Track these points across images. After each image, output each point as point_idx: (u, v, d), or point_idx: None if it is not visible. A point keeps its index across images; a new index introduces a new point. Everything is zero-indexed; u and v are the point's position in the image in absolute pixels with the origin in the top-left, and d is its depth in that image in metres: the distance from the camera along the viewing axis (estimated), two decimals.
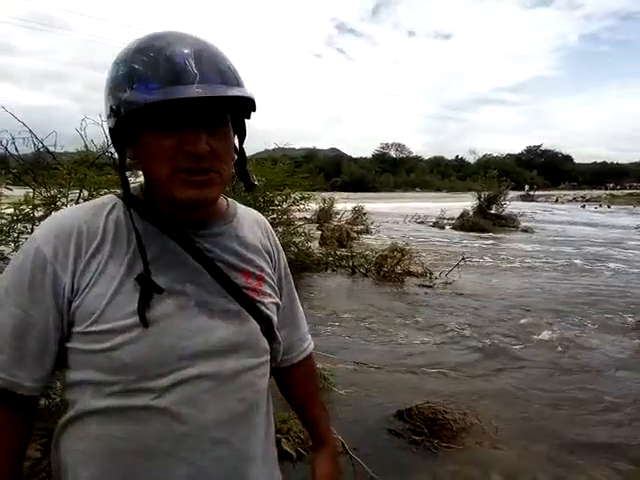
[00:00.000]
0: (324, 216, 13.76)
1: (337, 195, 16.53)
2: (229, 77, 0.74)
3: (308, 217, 11.09)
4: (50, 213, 1.87)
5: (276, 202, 7.50)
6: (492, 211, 18.56)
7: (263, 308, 0.87)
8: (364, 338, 5.01)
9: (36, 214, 1.88)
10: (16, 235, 1.90)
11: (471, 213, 18.41)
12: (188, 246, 0.81)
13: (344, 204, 15.62)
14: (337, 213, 14.66)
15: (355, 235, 12.16)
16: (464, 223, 17.29)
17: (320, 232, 11.07)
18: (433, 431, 3.01)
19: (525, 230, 17.19)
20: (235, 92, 0.73)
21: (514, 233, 16.50)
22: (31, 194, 1.97)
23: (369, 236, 13.49)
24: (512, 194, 20.48)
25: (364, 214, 16.09)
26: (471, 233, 15.99)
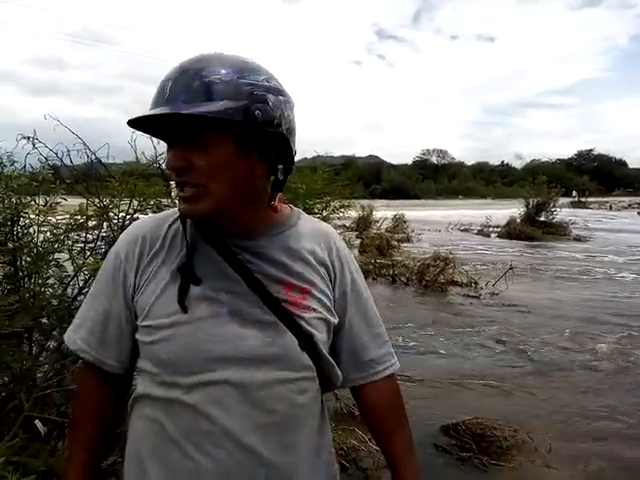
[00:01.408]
0: (363, 224, 13.70)
1: (376, 203, 16.43)
2: (203, 94, 0.74)
3: (347, 225, 11.07)
4: (102, 223, 1.94)
5: (316, 210, 7.53)
6: (541, 219, 17.95)
7: (303, 323, 0.85)
8: (406, 350, 4.91)
9: (89, 223, 1.96)
10: (70, 243, 1.99)
11: (518, 221, 17.84)
12: (229, 257, 0.85)
13: (384, 212, 15.50)
14: (377, 221, 14.56)
15: (395, 243, 12.03)
16: (511, 231, 16.79)
17: (359, 240, 11.02)
18: (481, 448, 2.92)
19: (577, 239, 16.51)
20: (175, 110, 0.73)
21: (565, 242, 15.86)
22: (84, 204, 2.06)
23: (410, 244, 13.32)
24: (562, 201, 19.70)
25: (404, 222, 15.91)
26: (519, 241, 15.50)
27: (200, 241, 0.86)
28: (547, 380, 4.20)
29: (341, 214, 8.18)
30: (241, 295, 0.84)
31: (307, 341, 0.85)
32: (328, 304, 0.90)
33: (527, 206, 18.10)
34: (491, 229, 18.13)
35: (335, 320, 0.91)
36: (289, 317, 0.84)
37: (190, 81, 0.75)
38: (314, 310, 0.87)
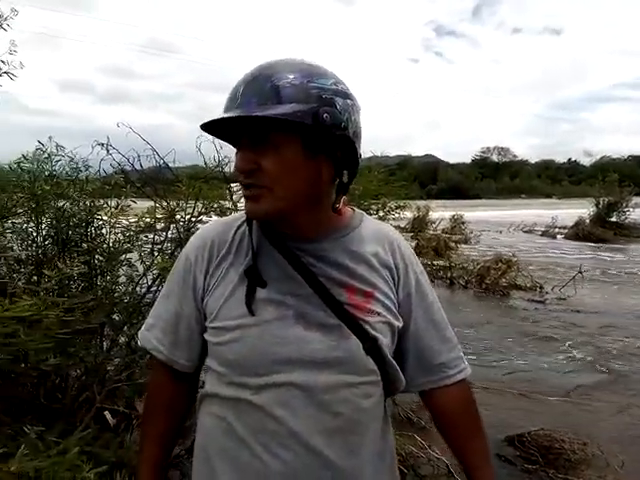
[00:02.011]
0: (419, 225, 13.44)
1: (433, 203, 16.06)
2: (273, 97, 0.75)
3: (402, 226, 10.92)
4: (169, 225, 2.03)
5: (371, 211, 7.47)
6: (612, 219, 16.87)
7: (367, 327, 0.85)
8: (467, 356, 4.72)
9: (158, 225, 2.06)
10: (140, 244, 2.09)
11: (587, 221, 16.88)
12: (292, 260, 0.86)
13: (441, 212, 15.12)
14: (433, 222, 14.23)
15: (453, 245, 11.71)
16: (579, 232, 15.91)
17: (415, 241, 10.82)
18: (548, 460, 2.78)
19: None
20: (247, 113, 0.75)
21: (639, 244, 14.77)
22: (153, 207, 2.17)
23: (468, 246, 12.91)
24: (636, 200, 18.38)
25: (462, 223, 15.45)
26: (588, 243, 14.64)
27: (266, 244, 0.88)
28: (620, 391, 3.94)
29: (397, 215, 8.11)
30: (305, 298, 0.85)
31: (371, 345, 0.85)
32: (392, 307, 0.89)
33: (597, 206, 17.12)
34: (557, 230, 17.26)
35: (399, 323, 0.90)
36: (353, 321, 0.84)
37: (261, 85, 0.76)
38: (378, 314, 0.87)
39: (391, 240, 0.94)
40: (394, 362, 0.90)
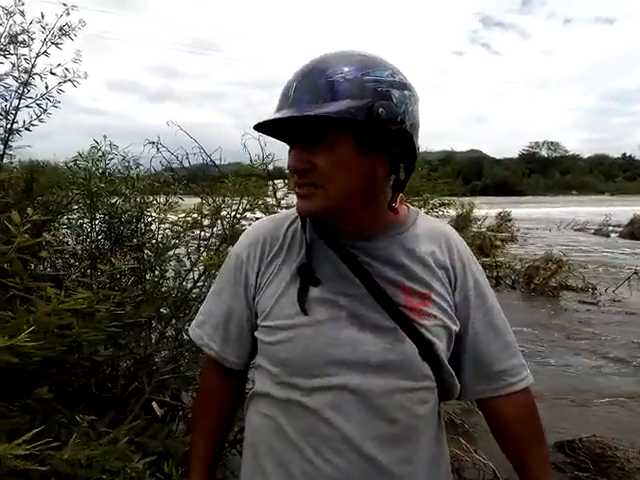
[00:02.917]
0: (463, 222, 13.11)
1: (477, 200, 15.61)
2: (327, 93, 0.72)
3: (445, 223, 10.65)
4: (216, 221, 2.07)
5: None
6: None
7: (423, 330, 0.81)
8: None
9: (204, 222, 2.10)
10: (187, 240, 2.14)
11: None
12: (347, 259, 0.83)
13: (487, 210, 14.69)
14: (478, 219, 13.85)
15: (499, 243, 11.36)
16: (635, 231, 15.15)
17: None
18: (600, 468, 2.66)
19: None
20: (301, 112, 0.73)
21: None
22: (200, 203, 2.21)
23: (516, 245, 12.49)
24: None
25: (509, 220, 14.95)
26: None
27: (319, 242, 0.86)
28: None
29: (440, 212, 7.95)
30: (359, 298, 0.82)
31: (427, 350, 0.81)
32: (448, 310, 0.85)
33: None
34: (611, 228, 16.43)
35: (456, 327, 0.86)
36: (409, 324, 0.81)
37: (314, 82, 0.74)
38: (435, 317, 0.83)
39: (448, 239, 0.90)
40: (450, 368, 0.86)
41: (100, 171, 2.11)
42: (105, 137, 2.12)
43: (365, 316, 0.81)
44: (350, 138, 0.76)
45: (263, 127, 0.81)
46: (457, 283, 0.87)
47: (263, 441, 0.88)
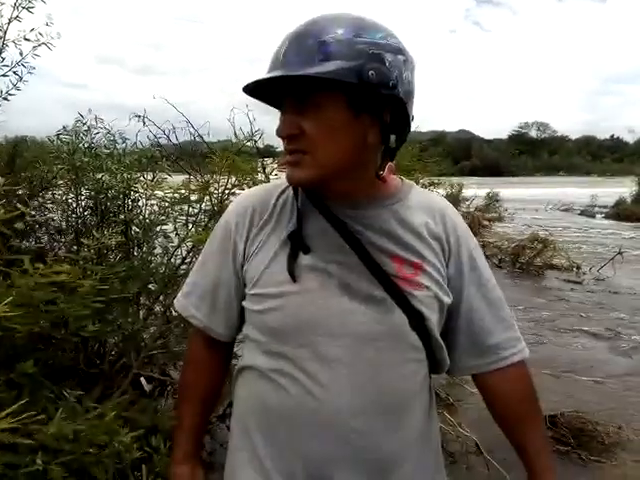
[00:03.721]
0: (452, 202, 13.14)
1: (466, 180, 15.67)
2: (316, 54, 0.70)
3: None
4: (203, 197, 2.04)
5: None
6: None
7: (415, 301, 0.80)
8: None
9: (192, 198, 2.07)
10: (175, 215, 2.12)
11: (629, 201, 16.20)
12: (338, 227, 0.82)
13: (475, 190, 14.76)
14: (466, 199, 13.92)
15: (487, 223, 11.48)
16: (620, 212, 15.36)
17: None
18: (581, 442, 2.74)
19: None
20: (289, 72, 0.70)
21: None
22: (188, 179, 2.18)
23: (503, 224, 12.62)
24: None
25: (497, 200, 15.06)
26: (629, 223, 14.06)
27: (311, 210, 0.84)
28: None
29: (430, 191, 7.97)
30: (350, 267, 0.81)
31: (418, 320, 0.80)
32: (441, 281, 0.83)
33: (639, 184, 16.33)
34: (597, 209, 16.64)
35: (449, 299, 0.84)
36: (399, 293, 0.79)
37: (305, 43, 0.71)
38: (426, 288, 0.81)
39: (442, 211, 0.88)
40: (441, 341, 0.85)
41: (85, 145, 2.07)
42: (90, 111, 2.07)
43: (355, 285, 0.80)
44: (341, 102, 0.73)
45: (253, 91, 0.78)
46: (450, 255, 0.86)
47: (251, 415, 0.87)
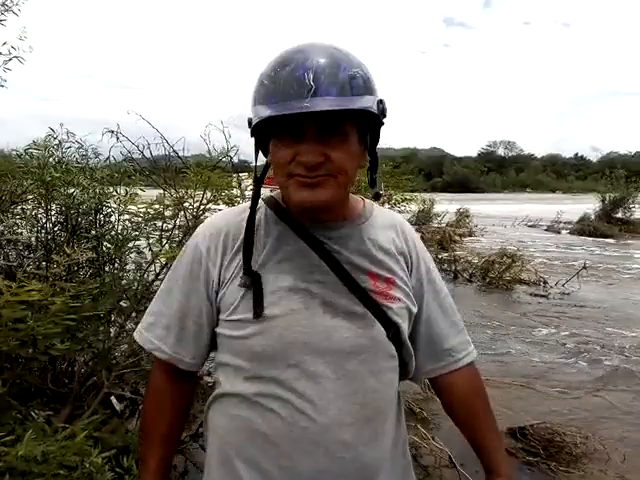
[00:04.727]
0: (424, 218, 13.42)
1: (438, 196, 16.01)
2: (349, 87, 0.73)
3: (407, 219, 10.93)
4: (178, 212, 2.04)
5: (377, 204, 7.45)
6: (618, 215, 16.76)
7: (390, 313, 0.85)
8: None
9: (166, 213, 2.06)
10: (149, 231, 2.10)
11: (593, 217, 16.83)
12: (317, 247, 0.85)
13: (447, 206, 15.08)
14: (438, 215, 14.21)
15: (458, 238, 11.72)
16: (584, 228, 15.87)
17: (419, 234, 10.77)
18: (550, 453, 2.79)
19: None
20: (342, 104, 0.72)
21: None
22: (162, 195, 2.17)
23: (473, 239, 12.90)
24: None
25: (467, 216, 15.42)
26: (593, 239, 14.58)
27: (287, 232, 0.86)
28: (622, 386, 3.94)
29: (402, 208, 8.11)
30: (331, 286, 0.84)
31: (394, 331, 0.85)
32: (409, 293, 0.90)
33: (602, 202, 17.00)
34: (562, 225, 17.18)
35: (415, 309, 0.91)
36: (377, 307, 0.84)
37: (335, 74, 0.73)
38: (399, 300, 0.87)
39: (403, 228, 0.95)
40: (411, 348, 0.91)
41: (56, 160, 2.04)
42: (62, 125, 2.05)
43: (337, 302, 0.83)
44: (356, 132, 0.79)
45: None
46: (413, 268, 0.92)
47: (233, 443, 0.85)
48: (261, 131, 0.81)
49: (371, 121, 0.80)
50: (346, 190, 0.84)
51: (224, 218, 0.92)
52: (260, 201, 0.89)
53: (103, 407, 1.87)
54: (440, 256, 8.76)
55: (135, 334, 0.94)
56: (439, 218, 14.12)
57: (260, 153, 0.85)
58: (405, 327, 0.88)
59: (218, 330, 0.87)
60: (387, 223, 0.93)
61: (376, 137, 0.84)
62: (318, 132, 0.76)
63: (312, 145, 0.76)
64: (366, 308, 0.84)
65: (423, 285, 0.93)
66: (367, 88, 0.76)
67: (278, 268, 0.84)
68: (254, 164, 0.88)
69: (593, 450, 2.81)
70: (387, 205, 8.00)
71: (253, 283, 0.82)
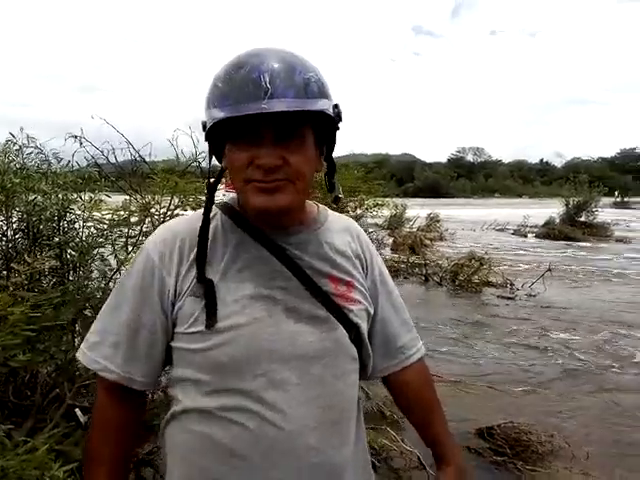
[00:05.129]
0: (396, 222, 13.61)
1: (410, 201, 16.25)
2: (304, 91, 0.74)
3: (379, 224, 11.06)
4: (145, 218, 2.00)
5: (349, 209, 7.52)
6: (581, 219, 17.34)
7: (352, 315, 0.87)
8: (439, 350, 4.84)
9: (132, 219, 2.03)
10: (114, 238, 2.06)
11: (557, 221, 17.38)
12: (278, 253, 0.84)
13: (418, 211, 15.32)
14: (409, 220, 14.41)
15: (429, 242, 11.92)
16: (549, 231, 16.35)
17: (392, 239, 10.94)
18: (516, 452, 2.85)
19: (619, 240, 15.85)
20: (300, 106, 0.72)
21: (607, 243, 15.27)
22: (128, 201, 2.13)
23: (444, 243, 13.14)
24: (604, 201, 18.95)
25: (438, 221, 15.69)
26: (557, 242, 15.04)
27: (246, 239, 0.85)
28: (586, 385, 4.07)
29: (374, 212, 8.19)
30: (293, 291, 0.84)
31: (356, 333, 0.87)
32: (367, 295, 0.92)
33: (567, 206, 17.54)
34: (528, 229, 17.67)
35: (372, 310, 0.93)
36: (340, 310, 0.85)
37: (291, 76, 0.73)
38: (359, 302, 0.89)
39: (357, 231, 0.97)
40: (370, 349, 0.92)
41: (17, 166, 1.98)
42: (22, 129, 1.99)
43: (300, 307, 0.83)
44: (312, 136, 0.80)
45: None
46: (367, 270, 0.94)
47: (196, 463, 0.81)
48: (216, 135, 0.79)
49: (327, 126, 0.81)
50: (304, 195, 0.84)
51: (178, 225, 0.89)
52: (215, 208, 0.87)
53: (66, 419, 1.81)
54: (411, 260, 8.89)
55: (78, 354, 0.87)
56: (411, 223, 14.32)
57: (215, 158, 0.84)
58: (365, 328, 0.89)
59: (174, 344, 0.83)
60: (342, 227, 0.95)
61: (332, 142, 0.85)
62: (276, 135, 0.76)
63: (270, 148, 0.76)
64: (329, 312, 0.84)
65: (377, 286, 0.95)
66: (322, 92, 0.77)
67: (239, 277, 0.82)
68: (208, 169, 0.86)
69: (558, 448, 2.88)
70: (359, 210, 8.11)
71: (205, 292, 0.80)
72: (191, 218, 0.89)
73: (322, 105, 0.75)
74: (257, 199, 0.78)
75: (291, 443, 0.79)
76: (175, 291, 0.82)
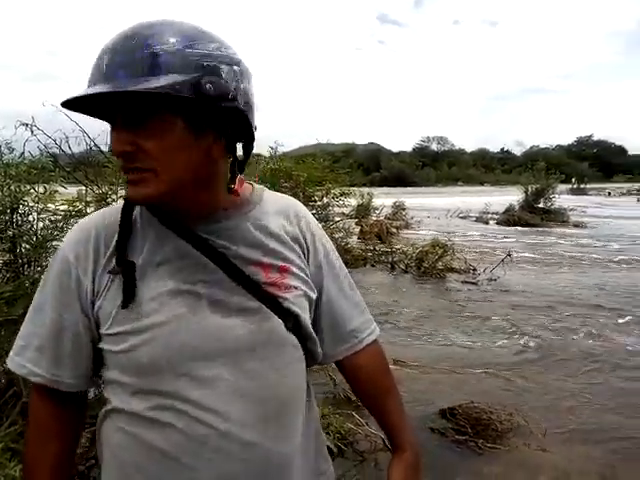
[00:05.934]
0: (363, 211, 13.73)
1: (376, 190, 16.42)
2: (140, 67, 0.65)
3: (346, 213, 11.16)
4: (101, 209, 1.95)
5: (316, 198, 7.52)
6: (540, 205, 17.90)
7: (287, 303, 0.81)
8: (404, 335, 4.95)
9: (88, 210, 1.97)
10: (70, 229, 2.00)
11: (517, 208, 17.89)
12: (200, 245, 0.78)
13: (384, 199, 15.50)
14: (376, 208, 14.57)
15: (395, 230, 12.11)
16: (509, 218, 16.83)
17: (359, 227, 11.05)
18: (477, 431, 2.95)
19: (576, 225, 16.51)
20: (120, 87, 0.64)
21: (564, 228, 15.85)
22: (84, 191, 2.07)
23: (409, 231, 13.36)
24: (562, 187, 19.66)
25: (404, 209, 15.93)
26: (517, 228, 15.53)
27: (164, 232, 0.79)
28: (544, 365, 4.23)
29: (341, 202, 8.23)
30: (219, 284, 0.78)
31: (294, 322, 0.82)
32: (306, 279, 0.86)
33: (526, 193, 18.06)
34: (490, 216, 18.14)
35: (314, 295, 0.87)
36: (272, 299, 0.80)
37: (132, 53, 0.66)
38: (295, 288, 0.83)
39: (296, 211, 0.90)
40: (314, 335, 0.88)
41: None
42: None
43: (228, 301, 0.78)
44: (179, 118, 0.70)
45: (77, 105, 0.71)
46: (309, 253, 0.88)
47: (131, 461, 0.78)
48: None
49: (207, 106, 0.70)
50: (179, 185, 0.73)
51: (93, 220, 0.83)
52: None
53: (23, 418, 1.77)
54: (378, 248, 9.00)
55: (7, 361, 0.84)
56: (377, 211, 14.48)
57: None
58: (306, 316, 0.84)
59: (101, 345, 0.80)
60: (278, 208, 0.88)
61: (242, 129, 0.76)
62: (124, 119, 0.70)
63: (119, 132, 0.70)
64: (260, 302, 0.79)
65: (322, 268, 0.89)
66: (179, 67, 0.66)
67: (157, 273, 0.77)
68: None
69: (517, 426, 3.00)
70: (325, 199, 8.12)
71: (123, 270, 0.75)
72: (104, 213, 0.85)
73: (161, 82, 0.64)
74: (127, 190, 0.74)
75: (223, 440, 0.75)
76: (93, 289, 0.78)
